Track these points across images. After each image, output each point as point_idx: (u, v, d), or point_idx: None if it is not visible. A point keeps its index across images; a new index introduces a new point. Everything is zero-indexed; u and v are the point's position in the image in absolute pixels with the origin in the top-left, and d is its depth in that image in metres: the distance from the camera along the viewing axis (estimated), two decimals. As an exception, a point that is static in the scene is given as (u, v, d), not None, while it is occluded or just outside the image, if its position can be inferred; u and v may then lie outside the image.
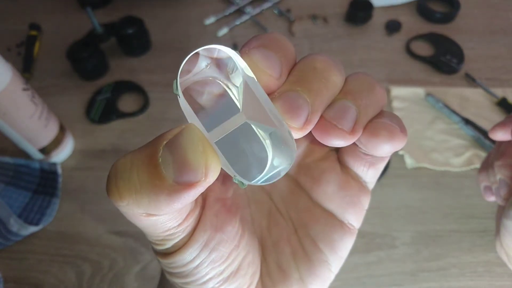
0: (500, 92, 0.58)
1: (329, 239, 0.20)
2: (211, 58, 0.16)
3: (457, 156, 0.52)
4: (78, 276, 0.44)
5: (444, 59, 0.62)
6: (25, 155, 0.50)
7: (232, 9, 0.69)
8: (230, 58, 0.16)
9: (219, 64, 0.16)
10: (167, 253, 0.18)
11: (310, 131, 0.16)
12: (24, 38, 0.65)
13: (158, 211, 0.14)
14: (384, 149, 0.17)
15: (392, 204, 0.49)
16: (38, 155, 0.50)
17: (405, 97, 0.58)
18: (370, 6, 0.66)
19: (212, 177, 0.14)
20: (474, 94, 0.58)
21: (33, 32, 0.65)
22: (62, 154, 0.52)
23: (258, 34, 0.17)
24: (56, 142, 0.50)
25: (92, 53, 0.58)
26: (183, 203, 0.14)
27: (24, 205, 0.47)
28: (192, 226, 0.18)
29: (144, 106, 0.58)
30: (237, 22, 0.67)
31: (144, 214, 0.15)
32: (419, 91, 0.59)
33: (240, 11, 0.69)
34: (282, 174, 0.16)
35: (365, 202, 0.21)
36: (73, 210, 0.49)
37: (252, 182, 0.15)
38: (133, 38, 0.61)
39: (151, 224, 0.16)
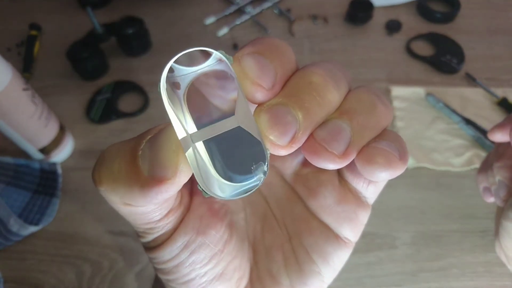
0: (500, 92, 0.58)
1: (322, 250, 0.20)
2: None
3: (458, 156, 0.52)
4: (78, 276, 0.44)
5: (444, 59, 0.62)
6: (25, 155, 0.50)
7: (232, 9, 0.69)
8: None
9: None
10: (149, 247, 0.18)
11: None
12: (24, 38, 0.65)
13: (133, 201, 0.15)
14: (380, 176, 0.15)
15: (392, 204, 0.49)
16: (38, 155, 0.50)
17: (405, 97, 0.58)
18: (370, 6, 0.66)
19: (182, 177, 0.14)
20: (475, 94, 0.58)
21: (33, 32, 0.65)
22: (62, 154, 0.52)
23: (257, 38, 0.16)
24: (56, 142, 0.50)
25: (92, 53, 0.58)
26: (155, 197, 0.14)
27: (24, 205, 0.47)
28: (172, 225, 0.18)
29: (144, 106, 0.58)
30: (237, 22, 0.67)
31: (121, 203, 0.15)
32: (419, 91, 0.59)
33: (240, 11, 0.69)
34: (249, 193, 0.15)
35: (363, 217, 0.20)
36: (73, 210, 0.49)
37: (213, 194, 0.15)
38: (133, 38, 0.61)
39: (130, 214, 0.16)
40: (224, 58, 0.14)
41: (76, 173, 0.52)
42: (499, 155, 0.33)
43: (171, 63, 0.14)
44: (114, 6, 0.71)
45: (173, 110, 0.14)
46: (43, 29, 0.67)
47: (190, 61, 0.15)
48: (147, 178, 0.14)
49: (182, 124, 0.14)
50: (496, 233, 0.32)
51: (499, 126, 0.32)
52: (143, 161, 0.14)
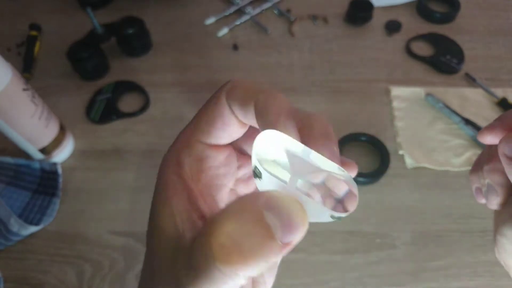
0: (500, 92, 0.58)
1: None
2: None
3: (457, 156, 0.52)
4: (78, 276, 0.44)
5: (444, 59, 0.62)
6: (25, 155, 0.50)
7: (232, 9, 0.69)
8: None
9: None
10: None
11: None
12: (24, 38, 0.65)
13: (259, 271, 0.14)
14: None
15: (392, 204, 0.49)
16: (39, 155, 0.50)
17: (405, 97, 0.58)
18: (370, 6, 0.66)
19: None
20: (474, 94, 0.58)
21: (33, 32, 0.65)
22: (62, 154, 0.52)
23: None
24: (57, 142, 0.50)
25: (93, 53, 0.58)
26: (276, 262, 0.15)
27: (25, 205, 0.47)
28: None
29: (145, 106, 0.58)
30: (237, 22, 0.67)
31: (244, 279, 0.15)
32: (419, 91, 0.59)
33: (240, 11, 0.69)
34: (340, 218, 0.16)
35: None
36: (73, 210, 0.49)
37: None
38: (134, 38, 0.61)
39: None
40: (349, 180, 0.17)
41: (76, 173, 0.52)
42: (490, 156, 0.33)
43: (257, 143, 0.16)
44: (114, 6, 0.71)
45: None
46: (43, 29, 0.67)
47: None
48: (280, 245, 0.14)
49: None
50: (495, 237, 0.32)
51: (488, 128, 0.32)
52: (274, 229, 0.14)
